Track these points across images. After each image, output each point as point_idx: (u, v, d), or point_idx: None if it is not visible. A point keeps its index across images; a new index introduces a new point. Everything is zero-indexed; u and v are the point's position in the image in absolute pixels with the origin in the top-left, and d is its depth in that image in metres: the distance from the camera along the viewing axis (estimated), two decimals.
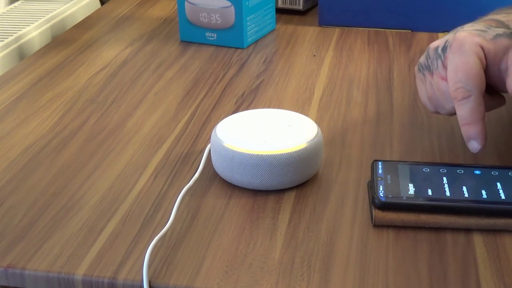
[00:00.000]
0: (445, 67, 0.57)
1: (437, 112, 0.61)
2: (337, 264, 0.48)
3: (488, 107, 0.58)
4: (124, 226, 0.53)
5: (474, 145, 0.56)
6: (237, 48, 0.90)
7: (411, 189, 0.53)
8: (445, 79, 0.57)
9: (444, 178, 0.54)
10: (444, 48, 0.58)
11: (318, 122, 0.69)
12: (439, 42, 0.60)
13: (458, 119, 0.56)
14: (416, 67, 0.63)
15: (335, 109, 0.72)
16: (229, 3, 0.88)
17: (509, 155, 0.62)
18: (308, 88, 0.77)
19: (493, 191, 0.53)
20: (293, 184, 0.57)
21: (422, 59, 0.62)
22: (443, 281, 0.46)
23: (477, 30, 0.58)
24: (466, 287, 0.46)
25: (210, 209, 0.55)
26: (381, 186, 0.53)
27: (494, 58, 0.56)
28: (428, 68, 0.60)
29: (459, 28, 0.61)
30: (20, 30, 1.00)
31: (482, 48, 0.56)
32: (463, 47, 0.56)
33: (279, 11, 1.06)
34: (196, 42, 0.93)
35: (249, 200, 0.56)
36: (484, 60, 0.56)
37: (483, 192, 0.53)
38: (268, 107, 0.73)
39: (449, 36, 0.59)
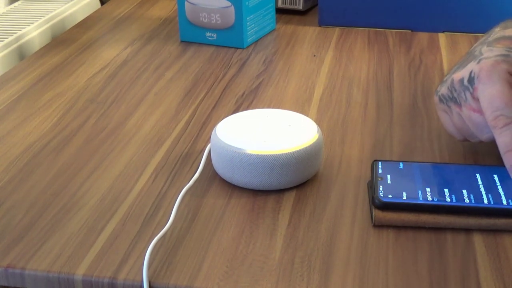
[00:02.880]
0: (475, 98, 0.56)
1: (467, 140, 0.61)
2: (337, 264, 0.48)
3: None
4: (124, 226, 0.53)
5: None
6: (237, 48, 0.90)
7: (411, 189, 0.53)
8: (477, 111, 0.56)
9: (444, 178, 0.54)
10: (471, 80, 0.57)
11: (318, 122, 0.69)
12: (462, 74, 0.58)
13: (500, 147, 0.54)
14: (436, 98, 0.62)
15: (335, 109, 0.72)
16: (229, 3, 0.88)
17: None
18: (308, 88, 0.77)
19: (493, 191, 0.53)
20: (293, 184, 0.57)
21: (444, 90, 0.60)
22: (443, 281, 0.46)
23: (500, 56, 0.57)
24: (466, 287, 0.46)
25: (210, 209, 0.55)
26: (381, 186, 0.53)
27: None
28: (453, 100, 0.59)
29: (477, 55, 0.59)
30: (20, 30, 1.00)
31: (511, 75, 0.55)
32: (492, 76, 0.55)
33: (279, 11, 1.06)
34: (196, 42, 0.93)
35: (249, 200, 0.56)
36: None
37: (483, 192, 0.53)
38: (268, 107, 0.73)
39: (472, 66, 0.58)
